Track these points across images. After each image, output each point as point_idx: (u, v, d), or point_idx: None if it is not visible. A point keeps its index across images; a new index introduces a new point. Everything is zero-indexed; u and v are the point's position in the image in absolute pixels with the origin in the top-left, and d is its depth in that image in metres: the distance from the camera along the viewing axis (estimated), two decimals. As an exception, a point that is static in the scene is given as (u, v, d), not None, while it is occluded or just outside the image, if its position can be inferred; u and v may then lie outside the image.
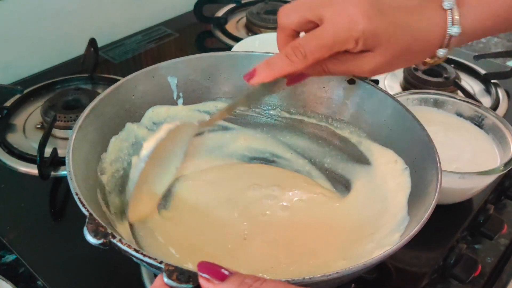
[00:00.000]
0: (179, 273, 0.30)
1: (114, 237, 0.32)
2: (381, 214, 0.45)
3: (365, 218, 0.46)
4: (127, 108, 0.49)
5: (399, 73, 0.80)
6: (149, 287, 0.48)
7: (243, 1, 0.98)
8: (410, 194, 0.43)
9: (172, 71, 0.52)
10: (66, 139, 0.66)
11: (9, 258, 0.56)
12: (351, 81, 0.51)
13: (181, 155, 0.48)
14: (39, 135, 0.67)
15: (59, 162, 0.61)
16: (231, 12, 0.98)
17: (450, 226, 0.56)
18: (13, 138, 0.66)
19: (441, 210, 0.37)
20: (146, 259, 0.31)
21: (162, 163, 0.46)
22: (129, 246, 0.32)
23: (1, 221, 0.55)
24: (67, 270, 0.51)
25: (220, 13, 0.97)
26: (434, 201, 0.37)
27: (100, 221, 0.33)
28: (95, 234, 0.32)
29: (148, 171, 0.43)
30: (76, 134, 0.41)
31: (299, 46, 0.40)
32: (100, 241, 0.32)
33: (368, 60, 0.40)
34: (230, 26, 0.94)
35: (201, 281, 0.30)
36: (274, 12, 0.93)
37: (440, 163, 0.40)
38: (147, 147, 0.42)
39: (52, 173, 0.61)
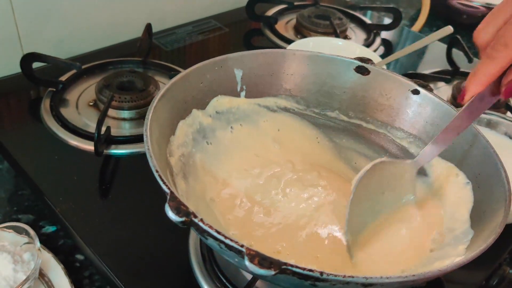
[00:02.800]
0: (261, 258, 0.30)
1: (195, 216, 0.33)
2: (435, 225, 0.45)
3: (418, 227, 0.47)
4: (194, 95, 0.49)
5: (447, 90, 0.80)
6: (196, 268, 0.48)
7: (294, 3, 0.99)
8: (473, 209, 0.43)
9: (239, 64, 0.52)
10: (117, 118, 0.67)
11: (50, 229, 0.57)
12: (415, 92, 0.52)
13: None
14: (91, 112, 0.68)
15: (112, 140, 0.63)
16: (281, 12, 0.99)
17: (495, 247, 0.56)
18: (66, 113, 0.67)
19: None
20: (227, 241, 0.32)
21: None
22: (210, 227, 0.32)
23: (54, 191, 0.56)
24: (116, 246, 0.51)
25: (270, 12, 0.98)
26: (504, 216, 0.37)
27: (181, 199, 0.34)
28: (178, 212, 0.33)
29: None
30: (152, 115, 0.42)
31: (497, 39, 0.37)
32: (182, 219, 0.33)
33: None
34: (279, 26, 0.95)
35: None
36: (324, 17, 0.94)
37: (508, 180, 0.40)
38: None
39: (104, 150, 0.62)
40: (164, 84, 0.46)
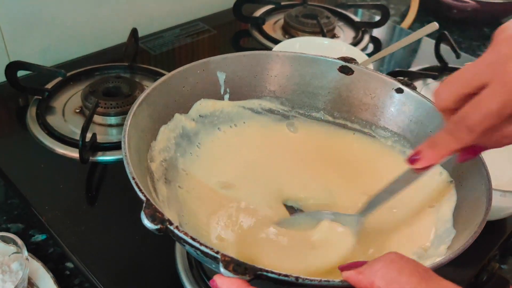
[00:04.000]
0: (235, 265, 0.30)
1: (171, 223, 0.33)
2: (416, 223, 0.45)
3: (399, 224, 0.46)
4: (176, 99, 0.49)
5: (436, 86, 0.79)
6: (182, 275, 0.48)
7: (282, 3, 0.98)
8: (456, 207, 0.43)
9: (222, 66, 0.52)
10: (104, 125, 0.67)
11: (39, 237, 0.57)
12: (399, 90, 0.51)
13: None
14: (77, 119, 0.68)
15: (97, 147, 0.62)
16: (268, 13, 0.98)
17: (483, 244, 0.55)
18: (53, 120, 0.67)
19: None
20: (202, 248, 0.31)
21: None
22: (185, 234, 0.32)
23: (40, 200, 0.56)
24: (103, 254, 0.51)
25: (258, 13, 0.97)
26: (485, 215, 0.37)
27: (157, 206, 0.34)
28: (153, 219, 0.33)
29: None
30: (131, 121, 0.42)
31: (461, 120, 0.34)
32: (157, 227, 0.32)
33: None
34: (267, 27, 0.94)
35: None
36: (312, 16, 0.93)
37: (490, 178, 0.40)
38: None
39: (90, 158, 0.61)
40: (150, 89, 0.46)
